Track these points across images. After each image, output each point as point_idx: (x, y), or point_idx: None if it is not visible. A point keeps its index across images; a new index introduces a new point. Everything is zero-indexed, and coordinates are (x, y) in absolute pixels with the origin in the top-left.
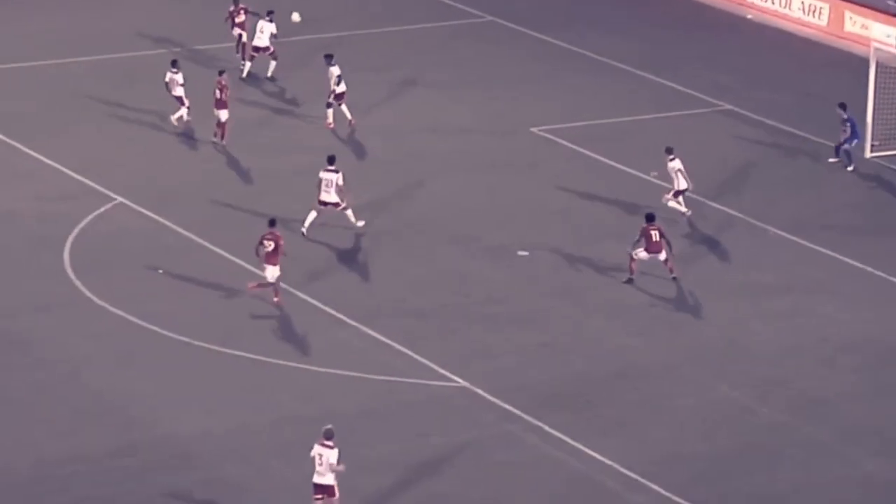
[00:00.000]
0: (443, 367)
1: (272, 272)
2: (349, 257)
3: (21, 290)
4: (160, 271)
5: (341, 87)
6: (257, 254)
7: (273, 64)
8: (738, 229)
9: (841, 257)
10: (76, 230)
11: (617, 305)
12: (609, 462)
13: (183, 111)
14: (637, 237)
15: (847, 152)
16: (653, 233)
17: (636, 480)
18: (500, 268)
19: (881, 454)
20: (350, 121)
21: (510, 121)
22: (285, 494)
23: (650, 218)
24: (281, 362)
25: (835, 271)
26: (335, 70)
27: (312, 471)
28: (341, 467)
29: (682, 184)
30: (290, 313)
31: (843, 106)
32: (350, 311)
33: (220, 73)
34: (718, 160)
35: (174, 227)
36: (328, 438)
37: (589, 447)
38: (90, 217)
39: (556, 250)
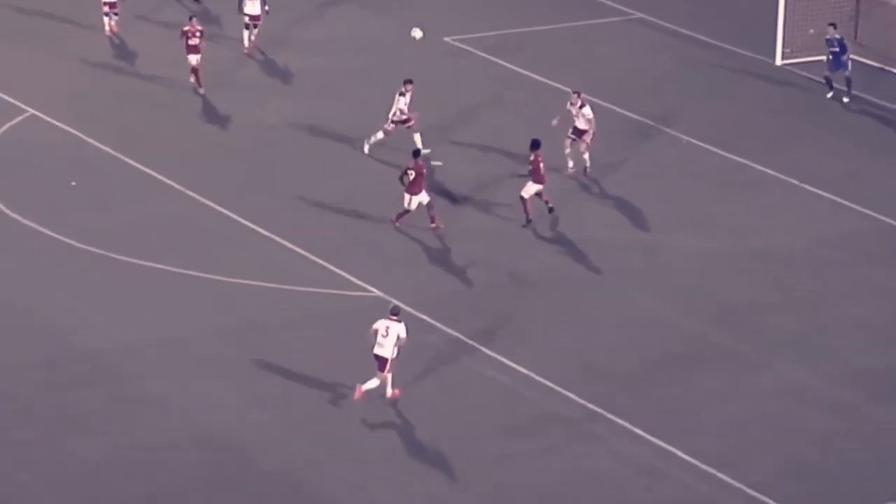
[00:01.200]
0: (360, 279)
1: (415, 200)
2: (271, 173)
3: None
4: (73, 184)
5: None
6: (402, 182)
7: None
8: (654, 139)
9: (756, 166)
10: None
11: (536, 217)
12: (527, 372)
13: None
14: (528, 168)
15: (848, 79)
16: (542, 164)
17: (555, 390)
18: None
19: (798, 361)
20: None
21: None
22: (206, 406)
23: (535, 145)
24: (201, 275)
25: (750, 180)
26: None
27: (373, 343)
28: (407, 340)
29: (581, 124)
30: (212, 227)
31: (833, 25)
32: (270, 226)
33: (190, 18)
34: (634, 69)
35: (91, 140)
36: (395, 314)
37: (507, 358)
38: (2, 129)
39: (471, 160)
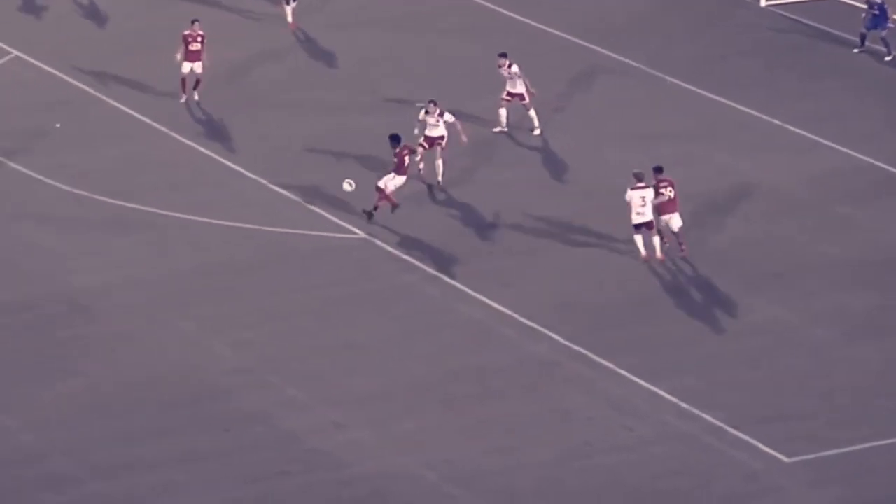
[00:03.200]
0: (342, 220)
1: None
2: (248, 113)
3: None
4: (57, 125)
5: None
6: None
7: None
8: (635, 78)
9: (738, 105)
10: None
11: (517, 155)
12: (507, 311)
13: None
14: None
15: (884, 40)
16: (406, 157)
17: (533, 328)
18: (396, 124)
19: (777, 300)
20: None
21: None
22: (184, 345)
23: (395, 140)
24: (178, 215)
25: (731, 119)
26: None
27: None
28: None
29: (517, 86)
30: (188, 166)
31: None
32: (250, 165)
33: (193, 21)
34: (616, 9)
35: (73, 81)
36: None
37: (487, 297)
38: None
39: (454, 107)
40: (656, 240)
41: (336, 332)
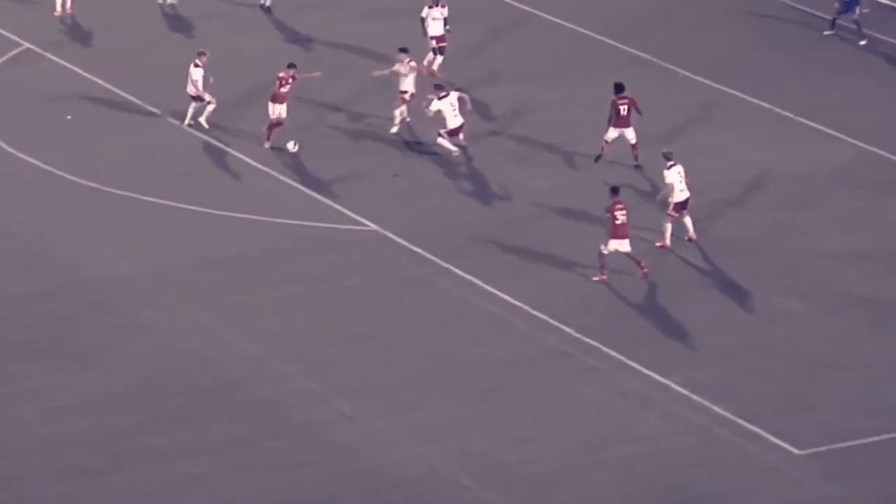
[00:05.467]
0: (355, 212)
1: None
2: (261, 106)
3: None
4: (68, 118)
5: None
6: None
7: None
8: (650, 70)
9: (750, 98)
10: None
11: (522, 154)
12: (519, 304)
13: None
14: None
15: (857, 24)
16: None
17: (546, 321)
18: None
19: (790, 291)
20: None
21: None
22: (201, 337)
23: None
24: (193, 208)
25: (743, 112)
26: None
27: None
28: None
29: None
30: (202, 159)
31: None
32: (263, 158)
33: (289, 66)
34: (627, 1)
35: (84, 73)
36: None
37: (500, 290)
38: None
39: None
40: (688, 221)
41: (350, 324)
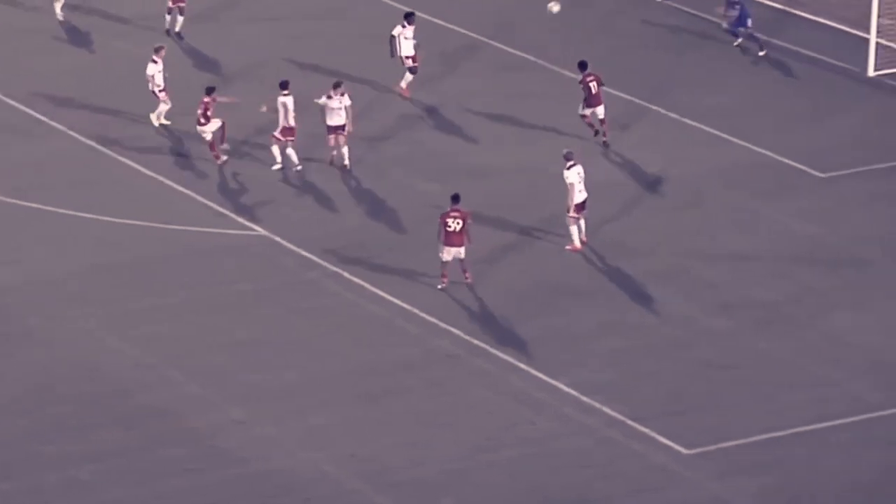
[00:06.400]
0: (243, 217)
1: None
2: (148, 112)
3: None
4: None
5: None
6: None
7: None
8: (538, 75)
9: (638, 101)
10: None
11: (410, 158)
12: (408, 307)
13: None
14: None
15: (752, 37)
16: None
17: (435, 324)
18: (304, 117)
19: (679, 293)
20: None
21: None
22: (89, 344)
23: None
24: (81, 214)
25: (632, 114)
26: None
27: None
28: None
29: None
30: (87, 165)
31: None
32: (148, 163)
33: (209, 90)
34: (511, 6)
35: None
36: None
37: (389, 293)
38: None
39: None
40: (582, 223)
41: (239, 329)
